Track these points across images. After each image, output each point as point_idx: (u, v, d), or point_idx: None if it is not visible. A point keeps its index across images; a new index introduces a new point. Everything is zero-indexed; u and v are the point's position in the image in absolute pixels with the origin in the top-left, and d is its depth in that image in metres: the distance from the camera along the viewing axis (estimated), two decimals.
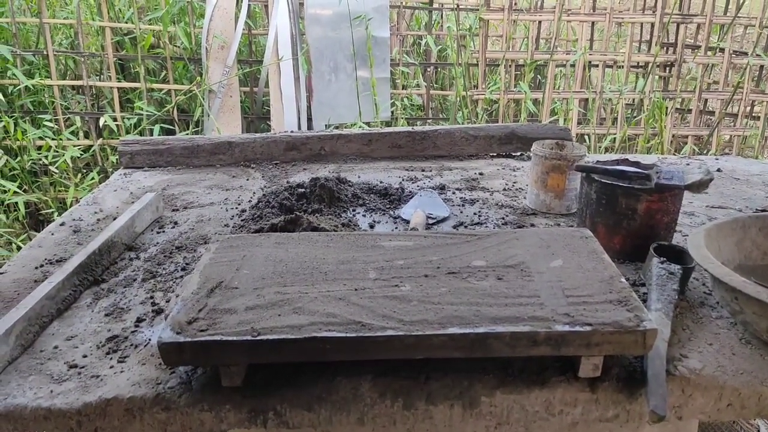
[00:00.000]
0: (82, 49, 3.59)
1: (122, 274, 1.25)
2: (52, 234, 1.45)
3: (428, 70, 4.12)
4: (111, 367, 0.95)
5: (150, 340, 1.02)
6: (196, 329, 0.88)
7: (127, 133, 3.57)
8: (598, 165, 1.33)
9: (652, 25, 4.03)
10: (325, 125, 3.71)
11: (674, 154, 3.83)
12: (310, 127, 3.75)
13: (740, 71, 3.97)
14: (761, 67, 4.02)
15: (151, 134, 3.51)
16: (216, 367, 0.90)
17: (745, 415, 0.95)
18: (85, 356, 0.98)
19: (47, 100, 3.62)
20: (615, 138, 3.81)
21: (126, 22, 3.82)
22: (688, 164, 1.93)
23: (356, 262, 1.08)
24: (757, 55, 3.87)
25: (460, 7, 4.01)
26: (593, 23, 4.14)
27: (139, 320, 1.08)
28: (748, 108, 4.09)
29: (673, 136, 3.99)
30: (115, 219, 1.41)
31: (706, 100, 4.28)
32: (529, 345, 0.88)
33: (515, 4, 3.78)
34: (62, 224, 1.50)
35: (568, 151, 1.55)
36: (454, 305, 0.94)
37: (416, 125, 3.92)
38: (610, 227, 1.28)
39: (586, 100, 3.99)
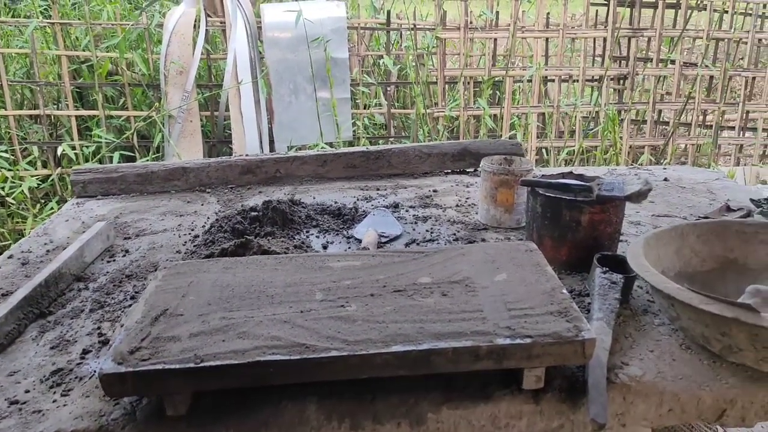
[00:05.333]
0: (38, 78, 3.55)
1: (70, 305, 1.23)
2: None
3: (389, 89, 4.16)
4: (54, 401, 0.94)
5: (95, 371, 1.01)
6: (138, 359, 0.88)
7: (87, 161, 3.52)
8: (543, 179, 1.36)
9: (605, 39, 4.14)
10: (287, 147, 3.71)
11: (632, 165, 3.92)
12: (272, 150, 3.75)
13: (691, 82, 4.09)
14: (711, 77, 4.16)
15: (111, 162, 3.47)
16: (161, 397, 0.90)
17: (685, 419, 0.97)
18: (27, 391, 0.96)
19: (2, 131, 3.56)
20: (573, 150, 3.89)
21: (83, 50, 3.79)
22: (636, 175, 1.98)
23: (303, 284, 1.08)
24: (705, 66, 4.00)
25: (417, 26, 4.07)
26: (547, 39, 4.25)
27: (85, 352, 1.06)
28: (701, 117, 4.21)
29: (630, 146, 4.08)
30: (65, 249, 1.39)
31: (660, 110, 4.39)
32: (471, 360, 0.89)
33: (471, 22, 3.85)
34: (10, 257, 1.47)
35: (516, 166, 1.58)
36: (398, 323, 0.94)
37: (379, 143, 3.96)
38: (555, 239, 1.31)
39: (544, 114, 4.07)
